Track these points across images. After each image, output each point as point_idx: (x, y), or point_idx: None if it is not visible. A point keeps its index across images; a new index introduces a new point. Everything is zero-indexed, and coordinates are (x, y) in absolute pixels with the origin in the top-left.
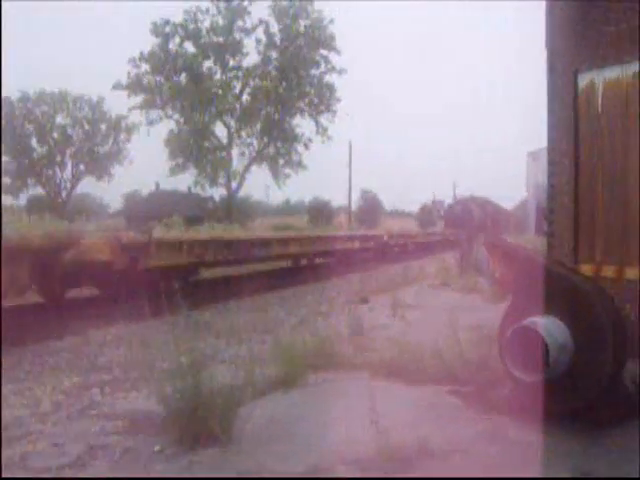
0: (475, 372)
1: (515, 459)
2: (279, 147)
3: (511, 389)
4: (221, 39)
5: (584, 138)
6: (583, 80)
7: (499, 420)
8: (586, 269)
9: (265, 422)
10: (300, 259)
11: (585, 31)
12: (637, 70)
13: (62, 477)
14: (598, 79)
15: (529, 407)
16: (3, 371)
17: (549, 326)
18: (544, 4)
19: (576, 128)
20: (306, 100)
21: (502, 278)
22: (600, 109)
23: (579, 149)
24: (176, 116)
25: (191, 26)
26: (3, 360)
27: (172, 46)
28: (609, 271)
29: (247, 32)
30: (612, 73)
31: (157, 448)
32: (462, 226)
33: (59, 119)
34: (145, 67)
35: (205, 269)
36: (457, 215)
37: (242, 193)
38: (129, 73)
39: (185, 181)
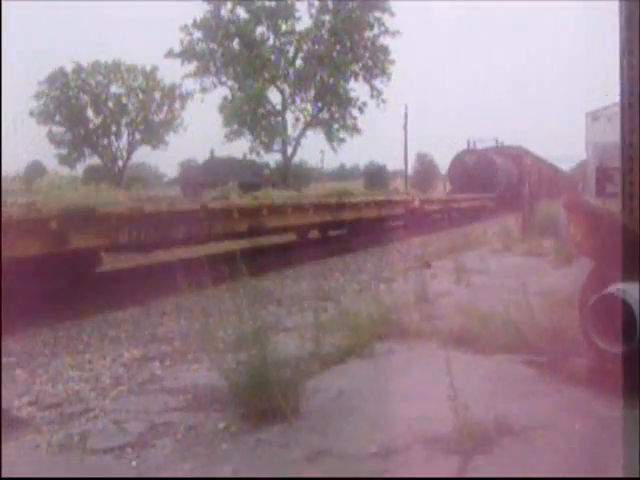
0: (549, 341)
1: (603, 436)
2: (333, 112)
3: (592, 360)
4: (273, 4)
5: None
6: None
7: (580, 392)
8: None
9: (333, 396)
10: None
11: None
12: None
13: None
14: None
15: (613, 379)
16: (60, 343)
17: (637, 294)
18: None
19: None
20: (360, 63)
21: (583, 242)
22: None
23: None
24: (230, 83)
25: None
26: (60, 332)
27: (224, 12)
28: None
29: None
30: None
31: (222, 425)
32: (478, 187)
33: (113, 89)
34: (197, 34)
35: None
36: (469, 171)
37: (297, 159)
38: (182, 41)
39: (240, 148)
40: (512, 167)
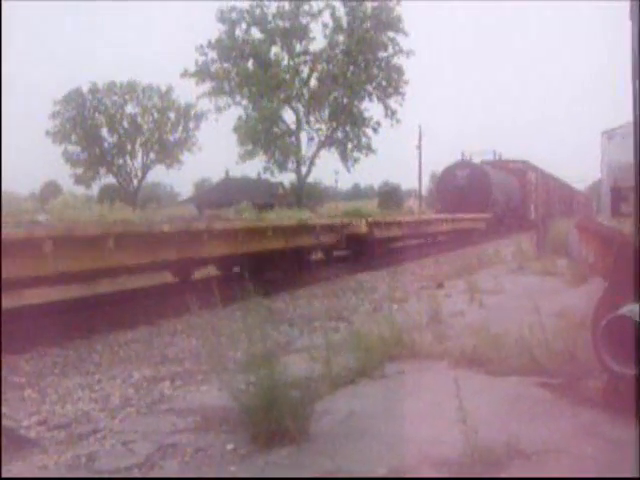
0: (563, 363)
1: (615, 460)
2: (348, 131)
3: (606, 382)
4: (287, 24)
5: None
6: None
7: (593, 415)
8: None
9: (343, 418)
10: None
11: None
12: None
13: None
14: None
15: (627, 401)
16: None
17: None
18: None
19: None
20: (374, 83)
21: (596, 263)
22: None
23: None
24: (244, 102)
25: (257, 12)
26: (71, 352)
27: (239, 32)
28: None
29: (313, 16)
30: None
31: (230, 447)
32: (471, 205)
33: (129, 109)
34: (212, 55)
35: None
36: (459, 187)
37: (311, 178)
38: (197, 61)
39: (255, 167)
40: (513, 183)
